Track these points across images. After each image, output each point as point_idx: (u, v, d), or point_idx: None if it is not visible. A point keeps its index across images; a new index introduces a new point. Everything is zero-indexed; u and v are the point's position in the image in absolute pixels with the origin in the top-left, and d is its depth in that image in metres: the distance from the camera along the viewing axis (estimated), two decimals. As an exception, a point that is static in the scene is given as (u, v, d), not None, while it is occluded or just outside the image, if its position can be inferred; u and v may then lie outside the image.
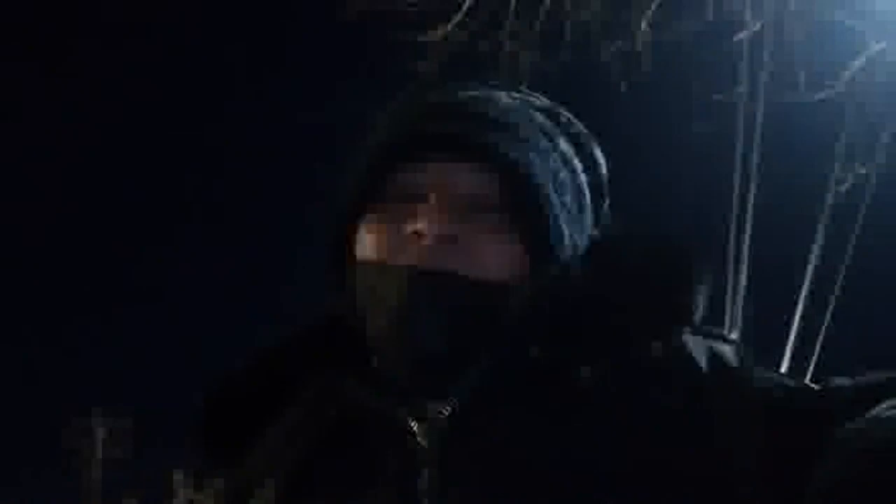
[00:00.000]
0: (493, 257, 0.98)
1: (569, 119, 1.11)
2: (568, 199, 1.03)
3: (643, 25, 6.16)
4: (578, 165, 1.07)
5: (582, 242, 1.05)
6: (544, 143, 1.04)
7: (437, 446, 0.96)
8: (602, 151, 1.12)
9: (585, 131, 1.11)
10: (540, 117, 1.07)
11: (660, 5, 6.19)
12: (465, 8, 6.30)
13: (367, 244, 1.01)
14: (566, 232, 1.02)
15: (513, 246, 0.99)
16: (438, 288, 0.96)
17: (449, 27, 6.27)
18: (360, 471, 0.98)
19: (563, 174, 1.04)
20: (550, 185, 1.01)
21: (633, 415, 0.96)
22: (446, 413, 0.97)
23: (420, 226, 0.96)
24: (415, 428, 0.98)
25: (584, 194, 1.07)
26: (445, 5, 6.31)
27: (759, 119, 5.88)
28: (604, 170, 1.11)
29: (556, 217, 1.00)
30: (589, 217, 1.07)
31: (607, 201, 1.12)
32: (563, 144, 1.06)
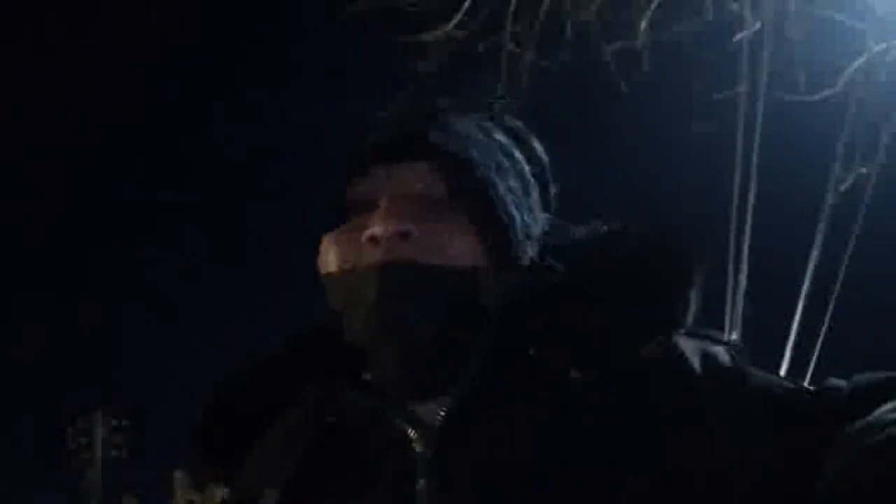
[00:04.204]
0: (450, 247, 1.01)
1: (503, 116, 1.15)
2: (512, 183, 1.06)
3: (643, 25, 6.16)
4: (519, 155, 1.10)
5: (535, 226, 1.08)
6: (482, 136, 1.08)
7: (433, 449, 0.96)
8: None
9: (522, 126, 1.15)
10: (476, 116, 1.12)
11: (660, 5, 6.18)
12: (465, 8, 6.29)
13: (329, 259, 1.04)
14: (515, 214, 1.04)
15: (468, 236, 1.02)
16: (403, 278, 0.99)
17: (449, 27, 6.26)
18: (359, 476, 0.98)
19: (504, 161, 1.07)
20: (493, 171, 1.05)
21: (629, 416, 0.96)
22: (442, 416, 0.98)
23: (374, 230, 0.99)
24: (411, 432, 0.98)
25: (528, 180, 1.10)
26: (445, 5, 6.31)
27: (759, 119, 5.87)
28: (544, 158, 1.15)
29: (501, 199, 1.03)
30: (537, 201, 1.10)
31: (553, 189, 1.15)
32: (501, 137, 1.10)
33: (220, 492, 1.10)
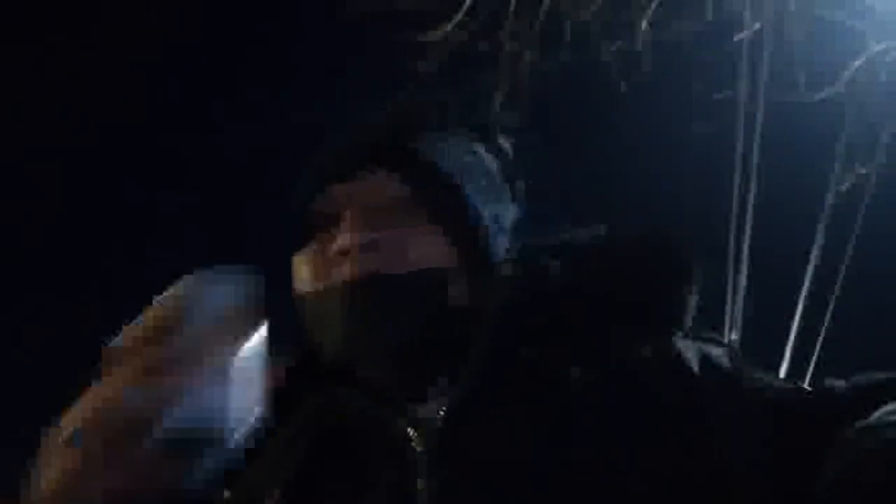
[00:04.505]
0: (418, 251, 1.01)
1: (466, 112, 1.15)
2: (478, 181, 1.07)
3: (643, 25, 6.16)
4: (484, 152, 1.10)
5: (507, 219, 1.08)
6: (444, 136, 1.08)
7: (433, 449, 0.97)
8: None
9: (488, 122, 1.15)
10: (437, 115, 1.12)
11: (660, 5, 6.18)
12: (465, 8, 6.30)
13: (300, 277, 1.04)
14: (484, 212, 1.05)
15: (436, 236, 1.02)
16: (374, 291, 0.98)
17: (449, 27, 6.26)
18: (360, 477, 0.98)
19: (468, 158, 1.08)
20: (456, 171, 1.05)
21: (629, 416, 0.96)
22: (442, 416, 0.98)
23: (341, 243, 0.98)
24: (411, 432, 0.98)
25: (494, 175, 1.10)
26: (445, 5, 6.31)
27: (759, 119, 5.87)
28: (509, 152, 1.14)
29: (467, 196, 1.04)
30: (505, 195, 1.10)
31: (519, 182, 1.14)
32: (464, 134, 1.10)
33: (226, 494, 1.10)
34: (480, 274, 1.03)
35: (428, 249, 1.01)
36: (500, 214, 1.07)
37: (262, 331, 0.86)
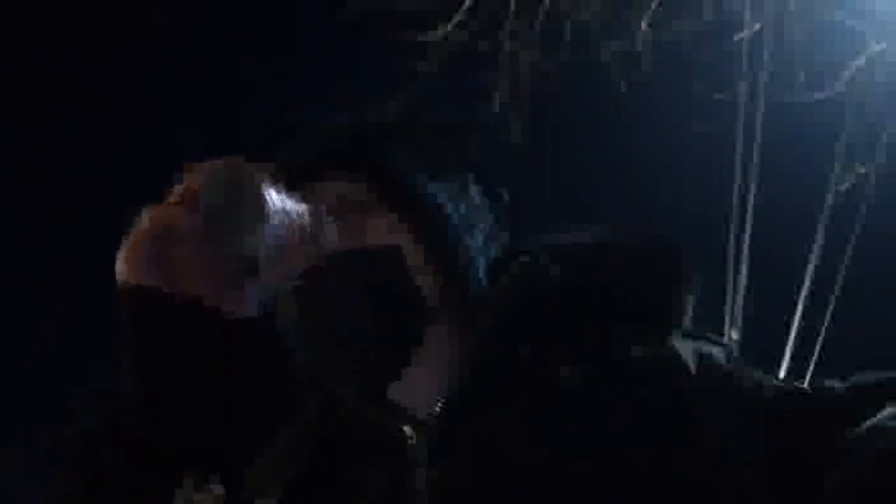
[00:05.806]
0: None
1: (432, 111, 1.13)
2: (441, 177, 1.05)
3: (643, 25, 6.16)
4: (449, 147, 1.09)
5: (474, 214, 1.06)
6: (404, 135, 1.07)
7: (427, 448, 0.97)
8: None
9: (454, 121, 1.13)
10: (405, 116, 1.11)
11: (660, 5, 6.18)
12: (464, 8, 6.30)
13: None
14: (447, 207, 1.03)
15: (399, 235, 1.00)
16: (328, 300, 0.96)
17: (449, 27, 6.27)
18: (358, 478, 0.99)
19: (430, 155, 1.06)
20: (417, 170, 1.03)
21: (621, 415, 0.96)
22: (438, 413, 0.98)
23: None
24: (408, 430, 0.98)
25: (459, 170, 1.08)
26: (445, 5, 6.31)
27: (759, 119, 5.88)
28: (475, 147, 1.12)
29: (431, 195, 1.02)
30: (477, 194, 1.08)
31: (496, 179, 1.12)
32: (428, 134, 1.09)
33: (220, 490, 1.10)
34: (448, 269, 1.01)
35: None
36: (468, 212, 1.06)
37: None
